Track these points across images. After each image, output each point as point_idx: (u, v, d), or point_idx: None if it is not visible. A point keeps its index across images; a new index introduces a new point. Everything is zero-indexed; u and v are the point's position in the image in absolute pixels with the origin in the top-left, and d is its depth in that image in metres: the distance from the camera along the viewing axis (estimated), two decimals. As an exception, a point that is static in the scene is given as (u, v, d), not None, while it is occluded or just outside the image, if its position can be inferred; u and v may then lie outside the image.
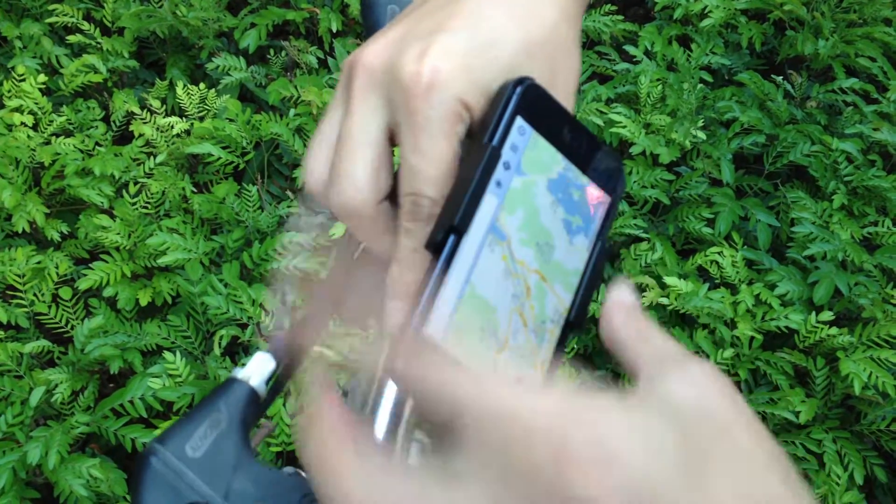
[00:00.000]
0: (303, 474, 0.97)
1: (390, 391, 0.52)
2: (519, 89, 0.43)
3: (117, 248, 2.05)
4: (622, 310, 0.42)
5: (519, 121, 0.43)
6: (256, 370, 0.46)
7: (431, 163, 0.42)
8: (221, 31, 2.64)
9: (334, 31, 2.60)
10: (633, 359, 0.40)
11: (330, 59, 2.56)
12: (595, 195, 0.47)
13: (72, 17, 2.47)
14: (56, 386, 1.81)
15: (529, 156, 0.44)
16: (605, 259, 0.47)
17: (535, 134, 0.44)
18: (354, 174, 0.43)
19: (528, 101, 0.44)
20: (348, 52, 2.52)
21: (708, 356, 2.02)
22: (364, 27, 0.71)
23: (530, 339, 0.43)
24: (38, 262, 1.99)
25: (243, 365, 0.48)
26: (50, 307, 1.96)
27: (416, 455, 0.67)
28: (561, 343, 0.45)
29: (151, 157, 2.24)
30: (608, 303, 0.42)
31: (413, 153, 0.42)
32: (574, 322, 0.45)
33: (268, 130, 2.24)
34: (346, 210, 0.44)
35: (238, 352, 2.04)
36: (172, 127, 2.25)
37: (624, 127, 2.35)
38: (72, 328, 1.96)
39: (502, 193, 0.42)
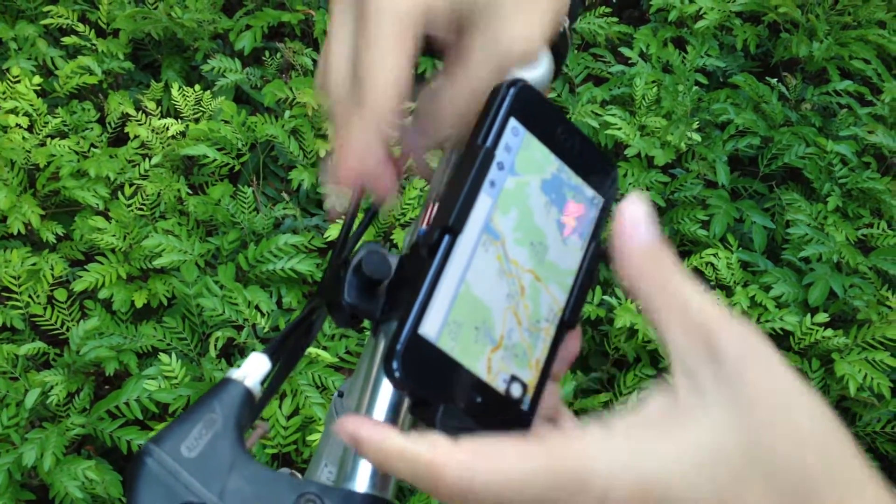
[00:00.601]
0: (298, 476, 0.97)
1: (385, 392, 0.52)
2: (512, 90, 0.44)
3: (112, 250, 2.05)
4: (639, 250, 0.40)
5: (512, 122, 0.44)
6: (252, 370, 0.46)
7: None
8: (216, 33, 2.63)
9: (330, 32, 2.60)
10: (663, 337, 0.39)
11: (325, 61, 2.56)
12: (589, 196, 0.48)
13: (67, 18, 2.47)
14: (51, 388, 1.81)
15: (523, 156, 0.44)
16: (599, 260, 0.47)
17: (528, 135, 0.45)
18: (385, 71, 0.44)
19: (521, 101, 0.44)
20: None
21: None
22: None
23: (525, 338, 0.44)
24: (34, 264, 1.99)
25: (239, 365, 0.48)
26: (45, 309, 1.96)
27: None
28: (556, 343, 0.45)
29: (147, 159, 2.24)
30: (621, 234, 0.41)
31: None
32: (569, 322, 0.46)
33: (263, 132, 2.25)
34: (375, 103, 0.44)
35: (234, 353, 2.04)
36: (168, 129, 2.25)
37: (619, 129, 2.36)
38: (67, 330, 1.95)
39: (496, 193, 0.43)
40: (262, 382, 0.47)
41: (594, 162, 0.48)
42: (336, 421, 0.42)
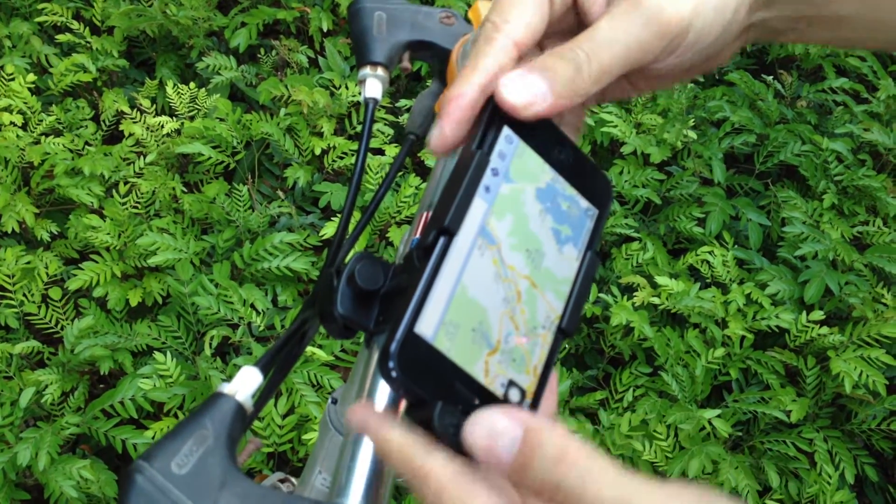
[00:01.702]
0: (292, 480, 0.96)
1: (380, 401, 0.52)
2: None
3: (107, 249, 2.05)
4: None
5: (506, 130, 0.44)
6: (243, 384, 0.46)
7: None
8: (212, 31, 2.63)
9: (325, 30, 2.59)
10: None
11: (320, 59, 2.56)
12: (583, 207, 0.47)
13: (61, 16, 2.46)
14: (46, 387, 1.81)
15: (517, 164, 0.44)
16: (596, 267, 0.47)
17: (522, 144, 0.45)
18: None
19: None
20: (339, 52, 2.52)
21: (699, 355, 2.03)
22: (351, 33, 0.70)
23: (523, 343, 0.43)
24: (28, 263, 1.98)
25: (236, 366, 0.47)
26: (39, 308, 1.95)
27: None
28: (554, 348, 0.45)
29: (141, 157, 2.23)
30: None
31: None
32: (566, 330, 0.45)
33: (258, 130, 2.24)
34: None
35: (229, 352, 2.04)
36: (162, 126, 2.25)
37: (615, 126, 2.35)
38: (62, 329, 1.95)
39: (491, 198, 0.43)
40: (254, 396, 0.47)
41: (587, 173, 0.48)
42: (348, 409, 0.42)
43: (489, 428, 0.38)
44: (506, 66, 0.45)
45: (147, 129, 2.26)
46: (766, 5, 0.49)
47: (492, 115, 0.44)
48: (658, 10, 0.45)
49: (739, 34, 0.50)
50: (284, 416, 1.81)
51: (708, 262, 2.18)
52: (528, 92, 0.44)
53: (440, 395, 0.39)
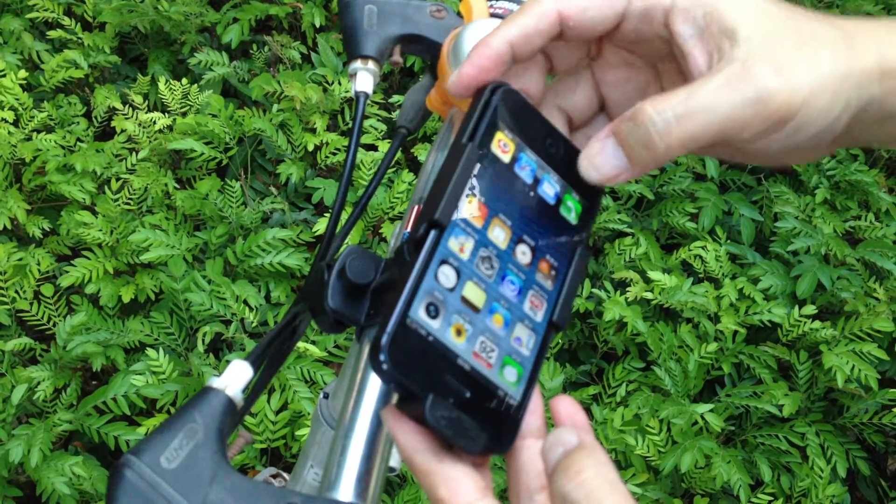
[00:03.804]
0: (284, 475, 0.96)
1: (371, 395, 0.52)
2: (498, 93, 0.44)
3: (99, 245, 2.04)
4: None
5: (499, 123, 0.44)
6: (233, 378, 0.46)
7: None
8: (204, 26, 2.62)
9: (317, 26, 2.59)
10: None
11: (313, 55, 2.55)
12: (575, 198, 0.47)
13: (52, 12, 2.45)
14: (38, 383, 1.80)
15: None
16: (587, 261, 0.47)
17: (514, 137, 0.45)
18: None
19: (506, 104, 0.44)
20: (331, 48, 2.51)
21: (692, 350, 2.03)
22: (342, 27, 0.70)
23: (514, 334, 0.43)
24: (20, 259, 1.97)
25: (229, 363, 0.47)
26: (31, 304, 1.95)
27: (397, 452, 0.67)
28: (545, 341, 0.45)
29: (133, 153, 2.23)
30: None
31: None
32: (558, 321, 0.46)
33: (251, 126, 2.24)
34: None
35: (222, 348, 2.04)
36: (155, 122, 2.24)
37: (608, 122, 2.35)
38: (54, 325, 1.94)
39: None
40: (244, 390, 0.46)
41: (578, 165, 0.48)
42: (384, 408, 0.42)
43: (557, 437, 0.42)
44: (543, 31, 0.45)
45: (139, 125, 2.26)
46: (879, 122, 0.45)
47: (483, 108, 0.44)
48: (772, 91, 0.41)
49: (834, 141, 0.46)
50: (277, 413, 1.81)
51: (701, 257, 2.18)
52: (609, 166, 0.45)
53: (431, 388, 0.39)
